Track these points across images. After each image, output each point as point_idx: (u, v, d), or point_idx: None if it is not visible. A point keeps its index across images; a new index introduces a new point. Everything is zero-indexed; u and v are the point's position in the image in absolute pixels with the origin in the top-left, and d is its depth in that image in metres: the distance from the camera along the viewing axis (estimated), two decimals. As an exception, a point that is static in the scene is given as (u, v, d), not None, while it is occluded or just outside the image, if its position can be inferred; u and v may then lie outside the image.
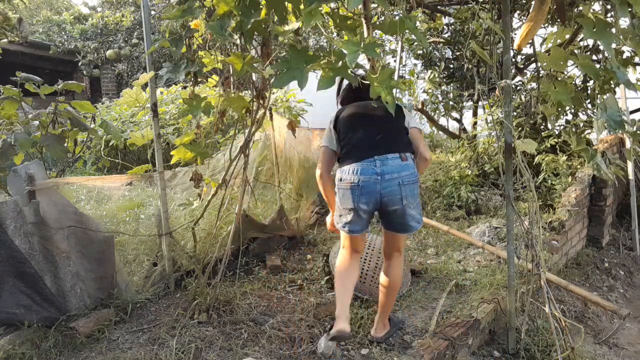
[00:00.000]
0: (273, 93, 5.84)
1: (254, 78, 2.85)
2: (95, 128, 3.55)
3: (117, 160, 5.65)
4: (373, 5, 4.04)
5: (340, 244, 2.55)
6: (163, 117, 6.12)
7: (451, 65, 5.97)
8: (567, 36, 2.85)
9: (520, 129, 4.76)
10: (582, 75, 4.45)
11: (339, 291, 2.44)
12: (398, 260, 2.50)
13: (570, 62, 2.33)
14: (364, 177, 2.29)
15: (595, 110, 2.29)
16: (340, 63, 1.97)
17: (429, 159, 2.47)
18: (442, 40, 5.78)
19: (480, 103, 5.89)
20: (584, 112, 4.52)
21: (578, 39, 3.51)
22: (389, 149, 2.34)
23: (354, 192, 2.31)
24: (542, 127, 5.07)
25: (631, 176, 4.87)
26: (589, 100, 3.97)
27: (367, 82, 2.04)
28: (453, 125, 6.93)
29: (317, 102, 6.97)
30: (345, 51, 1.91)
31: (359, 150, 2.37)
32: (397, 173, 2.29)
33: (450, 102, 6.10)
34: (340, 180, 2.38)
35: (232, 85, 2.83)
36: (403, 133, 2.45)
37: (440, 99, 6.17)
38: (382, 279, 2.52)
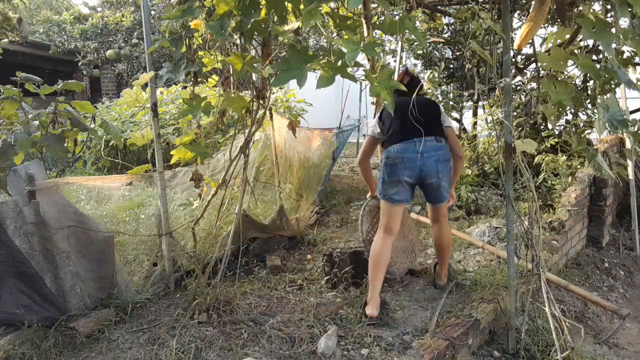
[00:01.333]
0: (273, 93, 5.84)
1: (254, 78, 2.85)
2: (95, 128, 3.55)
3: (117, 160, 5.65)
4: (373, 5, 4.03)
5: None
6: (163, 117, 6.12)
7: (451, 65, 5.97)
8: (567, 36, 2.85)
9: (520, 129, 4.76)
10: (582, 75, 4.45)
11: (370, 275, 2.78)
12: (444, 222, 3.07)
13: (570, 62, 2.33)
14: (407, 155, 2.74)
15: (595, 110, 2.29)
16: (339, 62, 1.97)
17: (462, 157, 3.05)
18: (442, 40, 5.78)
19: (480, 103, 5.89)
20: (584, 112, 4.52)
21: (578, 39, 3.51)
22: (426, 133, 2.76)
23: (399, 167, 2.75)
24: (542, 127, 5.07)
25: (631, 176, 4.87)
26: (589, 100, 3.97)
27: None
28: (453, 125, 6.92)
29: (317, 102, 6.98)
30: (344, 50, 1.91)
31: (401, 134, 2.81)
32: (434, 152, 2.76)
33: (450, 102, 6.10)
34: (387, 158, 2.81)
35: (232, 85, 2.83)
36: (438, 122, 2.91)
37: (440, 99, 6.17)
38: (436, 241, 3.11)
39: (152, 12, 10.19)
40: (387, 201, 2.82)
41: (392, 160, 2.78)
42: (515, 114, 4.88)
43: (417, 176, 2.77)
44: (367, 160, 3.13)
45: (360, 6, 2.95)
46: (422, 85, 3.11)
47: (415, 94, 2.63)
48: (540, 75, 2.88)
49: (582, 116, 4.76)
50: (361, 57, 1.99)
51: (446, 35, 5.88)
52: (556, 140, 4.69)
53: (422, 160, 2.74)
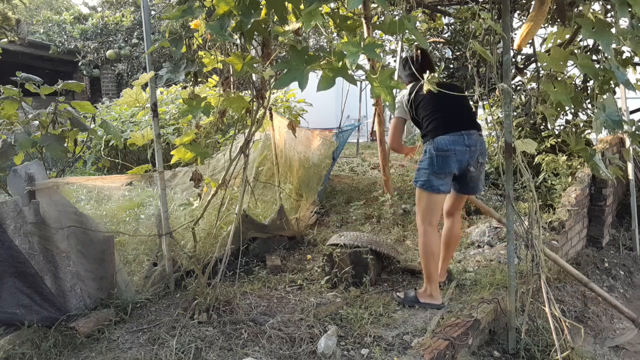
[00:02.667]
0: (273, 93, 5.84)
1: (254, 78, 2.85)
2: (95, 128, 3.55)
3: (117, 160, 5.65)
4: (373, 5, 4.04)
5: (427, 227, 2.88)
6: (163, 117, 6.12)
7: (451, 65, 5.96)
8: (567, 36, 2.85)
9: (520, 129, 4.76)
10: (582, 75, 4.45)
11: (429, 270, 2.87)
12: (459, 217, 3.18)
13: (570, 62, 2.33)
14: (458, 148, 2.77)
15: (594, 110, 2.29)
16: (340, 63, 1.97)
17: None
18: (442, 40, 5.78)
19: (480, 103, 5.89)
20: (583, 112, 4.52)
21: (578, 39, 3.51)
22: (469, 126, 2.84)
23: (451, 159, 2.77)
24: (542, 127, 5.06)
25: (631, 176, 4.87)
26: (588, 100, 3.97)
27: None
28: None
29: (317, 102, 6.98)
30: (345, 52, 1.91)
31: (447, 124, 2.81)
32: (479, 145, 2.84)
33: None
34: (438, 150, 2.78)
35: (232, 85, 2.83)
36: (473, 112, 2.99)
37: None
38: (446, 235, 3.12)
39: (152, 12, 10.19)
40: (432, 192, 2.83)
41: (445, 152, 2.77)
42: (515, 114, 4.88)
43: (464, 168, 2.83)
44: (400, 142, 3.18)
45: (360, 6, 2.95)
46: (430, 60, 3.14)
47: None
48: (540, 75, 2.88)
49: (582, 116, 4.76)
50: (361, 58, 1.99)
51: (446, 35, 5.88)
52: (556, 140, 4.69)
53: (470, 154, 2.80)
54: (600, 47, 2.10)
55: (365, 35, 3.63)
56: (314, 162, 4.89)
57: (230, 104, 2.66)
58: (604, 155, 3.57)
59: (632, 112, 5.48)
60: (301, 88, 1.93)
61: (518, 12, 4.70)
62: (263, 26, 2.39)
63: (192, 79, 2.79)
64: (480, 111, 6.01)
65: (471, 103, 3.09)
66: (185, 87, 6.72)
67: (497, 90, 2.55)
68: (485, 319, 2.77)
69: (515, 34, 4.15)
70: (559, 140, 4.65)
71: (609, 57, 2.10)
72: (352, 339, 2.54)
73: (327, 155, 5.07)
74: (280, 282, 3.33)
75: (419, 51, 3.03)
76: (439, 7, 4.88)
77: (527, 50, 4.66)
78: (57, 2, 14.64)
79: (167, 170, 3.53)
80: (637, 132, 2.67)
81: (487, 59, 2.32)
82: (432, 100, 2.85)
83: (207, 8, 2.43)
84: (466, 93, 3.08)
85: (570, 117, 4.94)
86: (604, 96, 2.27)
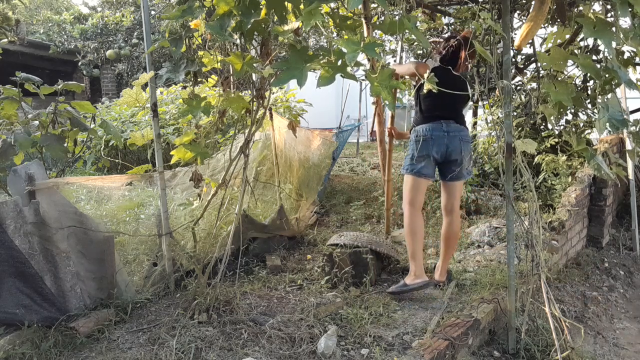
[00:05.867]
0: (273, 93, 5.84)
1: (253, 78, 2.85)
2: (95, 128, 3.54)
3: (117, 160, 5.65)
4: (373, 5, 4.04)
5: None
6: (163, 117, 6.12)
7: (451, 65, 5.96)
8: (567, 36, 2.85)
9: (520, 129, 4.76)
10: (582, 75, 4.45)
11: (412, 250, 3.03)
12: (457, 215, 3.22)
13: (570, 62, 2.33)
14: (436, 133, 3.02)
15: (595, 110, 2.29)
16: (339, 62, 1.97)
17: None
18: (442, 40, 5.77)
19: (480, 103, 5.89)
20: (584, 112, 4.52)
21: (578, 39, 3.51)
22: (451, 117, 3.06)
23: (429, 143, 3.02)
24: (542, 127, 5.06)
25: (631, 176, 4.87)
26: (589, 100, 3.98)
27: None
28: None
29: (317, 102, 6.99)
30: (344, 50, 1.91)
31: (432, 116, 3.08)
32: (458, 132, 3.05)
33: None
34: (417, 135, 3.07)
35: (232, 85, 2.83)
36: (462, 109, 3.25)
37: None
38: (445, 233, 3.21)
39: (152, 12, 10.19)
40: (415, 175, 3.06)
41: (422, 137, 3.04)
42: (515, 114, 4.88)
43: (443, 153, 3.03)
44: (404, 73, 3.30)
45: (360, 6, 2.95)
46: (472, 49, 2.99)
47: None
48: (540, 75, 2.88)
49: (582, 116, 4.76)
50: (361, 57, 1.99)
51: (446, 35, 5.87)
52: (556, 140, 4.69)
53: (449, 139, 3.02)
54: (600, 47, 2.10)
55: (365, 35, 3.63)
56: (314, 162, 4.89)
57: (230, 104, 2.66)
58: (605, 155, 3.56)
59: (632, 112, 5.48)
60: (299, 85, 1.94)
61: (518, 12, 4.70)
62: (263, 26, 2.39)
63: (192, 79, 2.79)
64: (480, 111, 6.03)
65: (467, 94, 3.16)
66: (185, 87, 6.72)
67: (497, 89, 2.55)
68: (485, 319, 2.76)
69: (515, 34, 4.15)
70: (559, 140, 4.65)
71: (611, 56, 2.10)
72: (352, 339, 2.54)
73: (327, 155, 5.07)
74: (280, 282, 3.32)
75: (458, 39, 3.12)
76: (439, 7, 4.88)
77: (527, 50, 4.66)
78: (57, 2, 14.63)
79: (167, 170, 3.53)
80: (639, 132, 2.67)
81: (487, 59, 2.32)
82: (434, 93, 2.72)
83: (207, 8, 2.43)
84: (468, 92, 3.09)
85: (570, 117, 4.95)
86: (608, 96, 2.26)
